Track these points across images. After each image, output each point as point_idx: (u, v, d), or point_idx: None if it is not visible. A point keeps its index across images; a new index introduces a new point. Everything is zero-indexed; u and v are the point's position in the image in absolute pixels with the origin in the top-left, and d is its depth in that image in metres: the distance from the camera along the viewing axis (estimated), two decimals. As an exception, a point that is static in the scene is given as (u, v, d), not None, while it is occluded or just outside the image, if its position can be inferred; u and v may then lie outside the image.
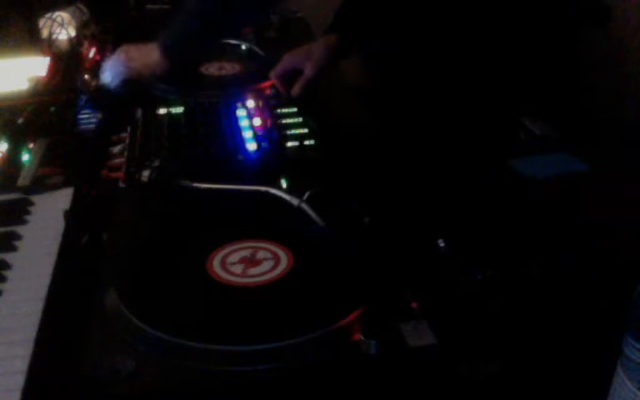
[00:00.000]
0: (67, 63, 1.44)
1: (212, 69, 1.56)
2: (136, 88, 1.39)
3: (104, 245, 0.94)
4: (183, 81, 1.46)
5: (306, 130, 1.25)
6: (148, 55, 1.39)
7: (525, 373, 0.77)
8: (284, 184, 1.05)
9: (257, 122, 1.25)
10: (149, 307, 0.78)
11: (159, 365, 0.71)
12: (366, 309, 0.77)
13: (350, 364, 0.72)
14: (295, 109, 1.33)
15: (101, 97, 1.36)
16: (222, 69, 1.57)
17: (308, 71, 1.37)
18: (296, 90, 1.37)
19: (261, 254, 0.87)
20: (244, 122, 1.26)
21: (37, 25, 1.60)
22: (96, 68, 1.45)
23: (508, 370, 0.75)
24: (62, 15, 1.60)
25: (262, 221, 0.97)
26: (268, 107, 1.32)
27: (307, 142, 1.20)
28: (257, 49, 1.71)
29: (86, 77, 1.44)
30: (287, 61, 1.40)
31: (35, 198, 1.02)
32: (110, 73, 1.38)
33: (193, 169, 1.08)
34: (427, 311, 0.77)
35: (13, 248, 0.91)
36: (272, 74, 1.40)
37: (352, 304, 0.77)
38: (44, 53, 1.48)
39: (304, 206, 0.97)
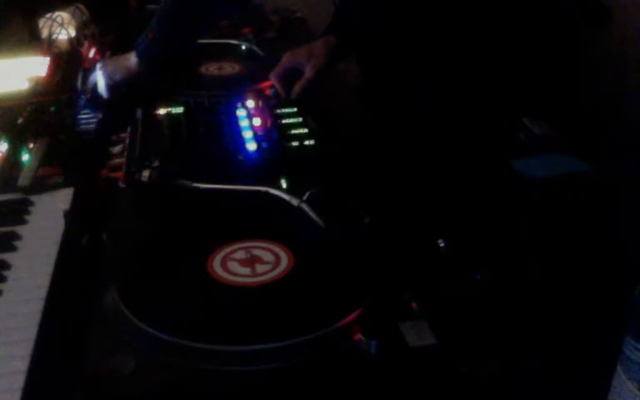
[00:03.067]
0: (67, 63, 1.44)
1: (212, 69, 1.57)
2: (125, 92, 1.40)
3: (104, 245, 0.94)
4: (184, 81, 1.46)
5: (306, 130, 1.25)
6: (125, 62, 1.41)
7: (525, 373, 0.77)
8: (284, 184, 1.05)
9: (257, 122, 1.25)
10: (149, 307, 0.78)
11: (159, 365, 0.71)
12: (366, 309, 0.77)
13: (350, 364, 0.72)
14: (295, 109, 1.33)
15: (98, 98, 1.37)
16: (222, 69, 1.57)
17: (309, 72, 1.37)
18: (296, 90, 1.37)
19: (261, 254, 0.87)
20: (244, 122, 1.26)
21: (37, 25, 1.60)
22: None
23: (508, 370, 0.75)
24: (62, 15, 1.61)
25: (262, 221, 0.97)
26: (268, 107, 1.32)
27: (307, 142, 1.20)
28: (256, 49, 1.71)
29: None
30: (287, 61, 1.40)
31: (35, 198, 1.02)
32: (94, 85, 1.39)
33: (193, 169, 1.08)
34: (427, 311, 0.77)
35: (13, 248, 0.91)
36: (272, 75, 1.40)
37: (352, 304, 0.77)
38: (44, 53, 1.48)
39: (304, 206, 0.97)
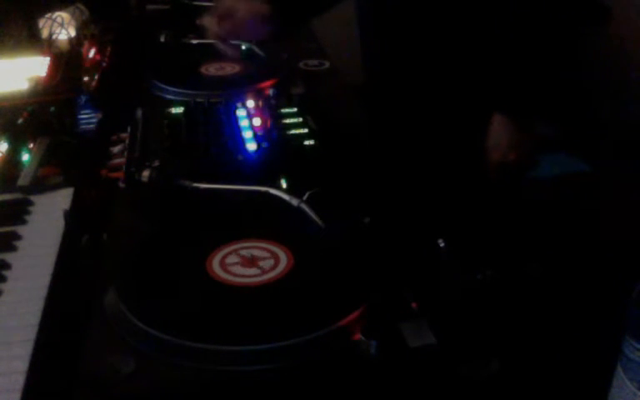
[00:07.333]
0: (67, 63, 1.44)
1: (212, 69, 1.56)
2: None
3: (104, 245, 0.94)
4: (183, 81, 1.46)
5: (306, 130, 1.25)
6: None
7: (525, 373, 0.77)
8: (284, 184, 1.05)
9: (257, 122, 1.25)
10: (149, 307, 0.78)
11: (159, 365, 0.71)
12: (366, 309, 0.77)
13: (350, 364, 0.72)
14: (295, 109, 1.33)
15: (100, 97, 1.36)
16: (222, 69, 1.57)
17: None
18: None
19: (261, 254, 0.87)
20: (244, 122, 1.26)
21: (37, 25, 1.60)
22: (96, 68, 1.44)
23: (508, 370, 0.75)
24: (62, 15, 1.60)
25: (262, 221, 0.97)
26: (268, 107, 1.32)
27: (307, 142, 1.20)
28: (256, 49, 1.71)
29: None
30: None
31: (35, 198, 1.02)
32: None
33: (193, 169, 1.08)
34: (427, 311, 0.77)
35: (13, 248, 0.91)
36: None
37: (352, 304, 0.77)
38: (44, 53, 1.48)
39: (304, 206, 0.97)
